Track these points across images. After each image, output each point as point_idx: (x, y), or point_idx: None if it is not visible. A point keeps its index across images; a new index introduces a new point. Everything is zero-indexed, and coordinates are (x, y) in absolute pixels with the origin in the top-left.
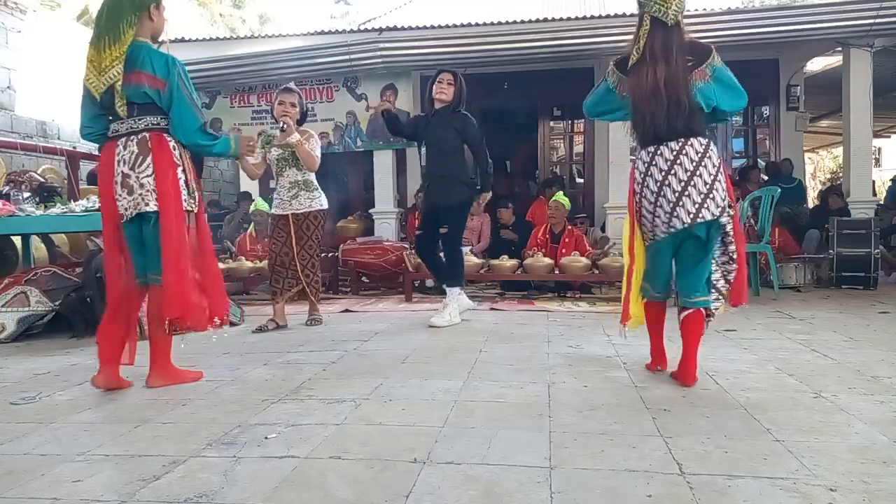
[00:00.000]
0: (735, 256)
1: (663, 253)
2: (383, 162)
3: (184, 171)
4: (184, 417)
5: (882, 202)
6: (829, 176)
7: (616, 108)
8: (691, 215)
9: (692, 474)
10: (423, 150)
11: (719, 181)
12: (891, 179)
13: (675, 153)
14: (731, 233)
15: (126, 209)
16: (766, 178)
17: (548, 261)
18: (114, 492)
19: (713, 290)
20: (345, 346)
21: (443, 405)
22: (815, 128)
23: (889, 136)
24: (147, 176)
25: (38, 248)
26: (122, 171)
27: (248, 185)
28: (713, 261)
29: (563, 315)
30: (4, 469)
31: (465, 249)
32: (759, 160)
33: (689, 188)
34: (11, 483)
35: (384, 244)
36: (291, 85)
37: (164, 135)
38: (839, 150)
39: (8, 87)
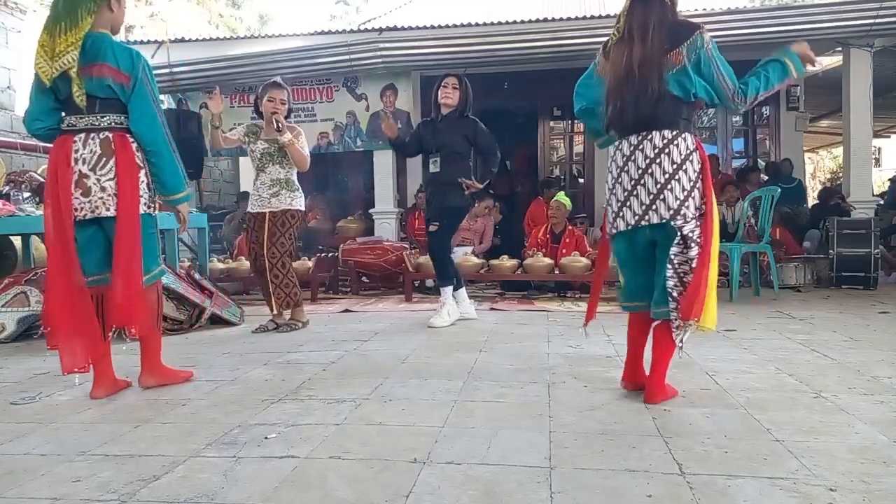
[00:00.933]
0: (693, 265)
1: (619, 253)
2: (383, 162)
3: (146, 173)
4: (184, 417)
5: (881, 202)
6: (829, 176)
7: (593, 93)
8: (636, 217)
9: (692, 474)
10: (434, 158)
11: (678, 180)
12: (889, 180)
13: (632, 148)
14: (692, 237)
15: (79, 211)
16: (766, 178)
17: (548, 261)
18: (114, 492)
19: (670, 299)
20: (345, 346)
21: (443, 405)
22: (815, 128)
23: (889, 136)
24: (109, 179)
25: (38, 248)
26: (80, 171)
27: (249, 184)
28: (670, 264)
29: (563, 315)
30: (4, 469)
31: (467, 250)
32: (759, 160)
33: (638, 187)
34: (11, 483)
35: (384, 244)
36: (278, 79)
37: (128, 135)
38: (839, 150)
39: (8, 87)
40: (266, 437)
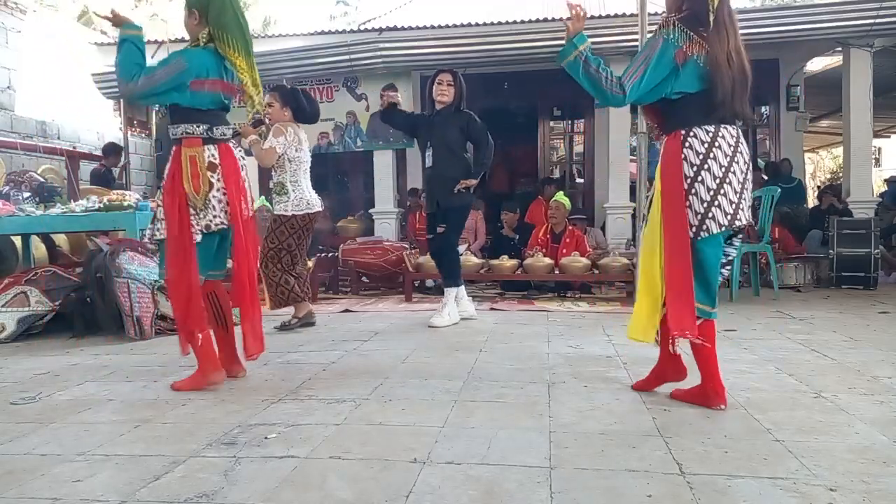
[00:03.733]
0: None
1: (714, 253)
2: (383, 162)
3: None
4: (184, 417)
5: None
6: (829, 176)
7: (670, 83)
8: (743, 213)
9: (692, 474)
10: (428, 151)
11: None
12: (884, 180)
13: (734, 139)
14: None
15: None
16: (765, 177)
17: (548, 261)
18: (114, 492)
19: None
20: (345, 346)
21: (443, 405)
22: (815, 128)
23: (889, 136)
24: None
25: (38, 248)
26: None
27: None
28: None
29: (563, 315)
30: (4, 469)
31: (462, 248)
32: (758, 160)
33: (747, 182)
34: (11, 483)
35: (384, 244)
36: (284, 82)
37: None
38: (839, 150)
39: (8, 87)
40: (266, 437)
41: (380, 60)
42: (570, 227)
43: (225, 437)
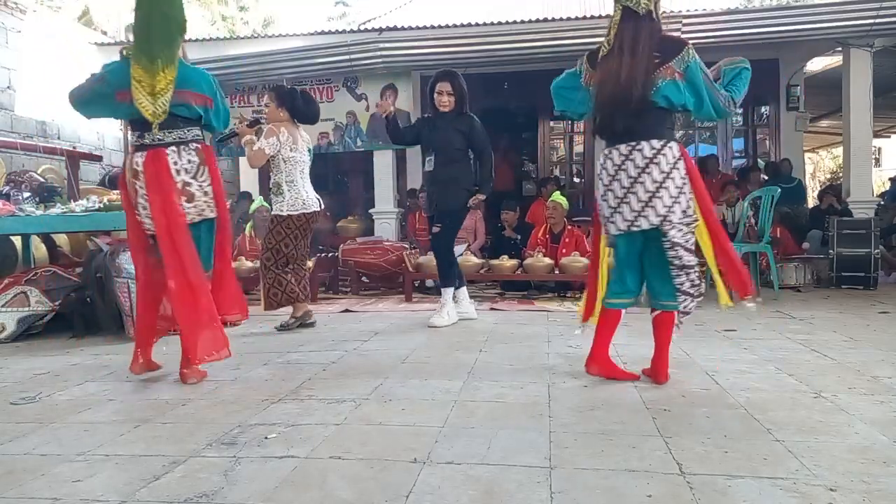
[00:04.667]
0: (689, 264)
1: (621, 253)
2: (383, 162)
3: None
4: (184, 417)
5: (882, 202)
6: (829, 176)
7: (576, 97)
8: (627, 223)
9: (692, 474)
10: (429, 156)
11: (666, 188)
12: (889, 179)
13: (622, 158)
14: (677, 240)
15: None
16: (766, 178)
17: (548, 261)
18: (114, 492)
19: (679, 294)
20: (345, 346)
21: (443, 405)
22: (815, 128)
23: (889, 136)
24: (209, 185)
25: (38, 248)
26: (184, 179)
27: (249, 184)
28: (673, 266)
29: (563, 315)
30: (4, 469)
31: (461, 248)
32: (759, 160)
33: (629, 195)
34: (11, 483)
35: (384, 244)
36: (283, 83)
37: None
38: (839, 150)
39: (8, 87)
40: (266, 437)
41: (380, 60)
42: (570, 227)
43: (225, 437)
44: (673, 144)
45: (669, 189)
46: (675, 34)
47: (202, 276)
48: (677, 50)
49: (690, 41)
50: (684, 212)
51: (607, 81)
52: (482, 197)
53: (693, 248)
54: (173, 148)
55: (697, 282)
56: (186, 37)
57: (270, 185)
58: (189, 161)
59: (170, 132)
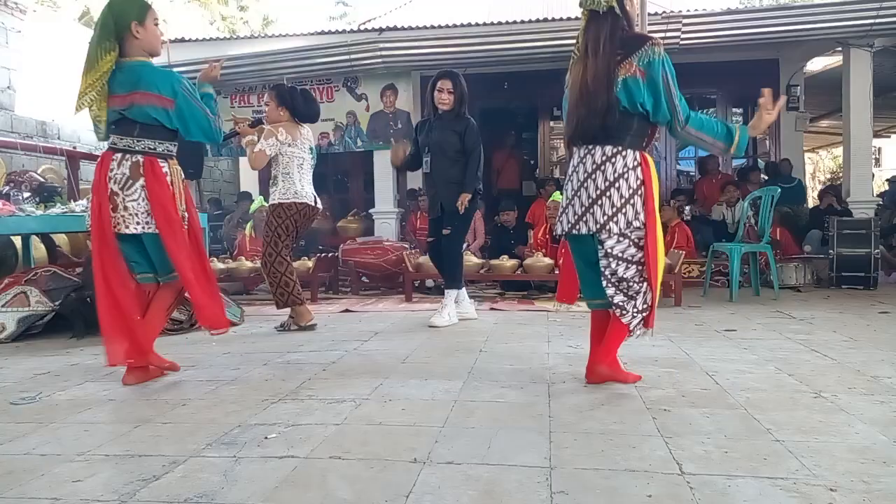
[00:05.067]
0: (625, 276)
1: (572, 252)
2: (383, 162)
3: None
4: (184, 417)
5: (881, 202)
6: (829, 176)
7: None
8: (569, 224)
9: (692, 474)
10: (426, 157)
11: (609, 197)
12: (886, 180)
13: (579, 160)
14: (615, 253)
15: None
16: (766, 177)
17: (548, 261)
18: (114, 492)
19: (614, 307)
20: (345, 346)
21: (443, 405)
22: (815, 128)
23: (889, 136)
24: (132, 200)
25: (38, 248)
26: (112, 188)
27: (249, 184)
28: (604, 277)
29: (563, 315)
30: (4, 469)
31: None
32: (758, 160)
33: (576, 198)
34: (11, 483)
35: (384, 244)
36: (284, 82)
37: (158, 161)
38: (839, 150)
39: (8, 87)
40: (266, 437)
41: (380, 60)
42: None
43: (225, 437)
44: (628, 152)
45: (612, 198)
46: (661, 33)
47: (122, 284)
48: (639, 45)
49: (690, 41)
50: (629, 223)
51: (574, 85)
52: (468, 196)
53: (638, 261)
54: (119, 154)
55: (636, 298)
56: (189, 37)
57: (273, 178)
58: (122, 174)
59: (122, 138)
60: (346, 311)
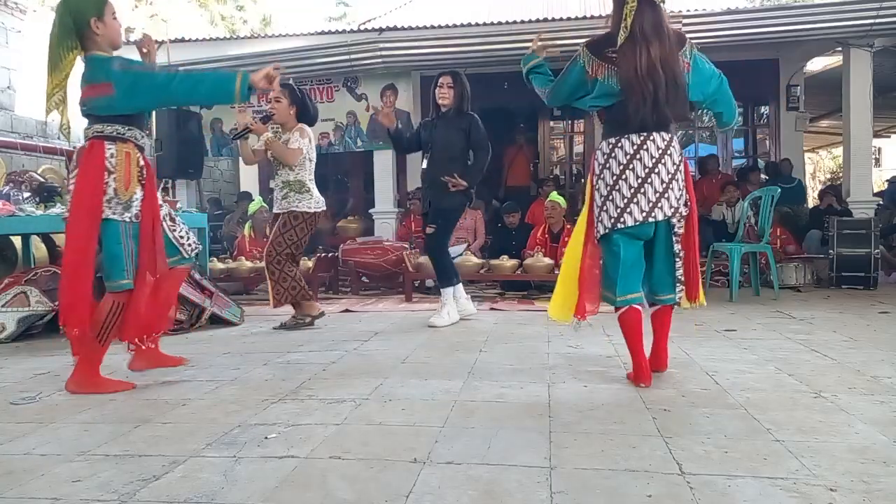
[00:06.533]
0: (680, 255)
1: (619, 248)
2: (383, 162)
3: (115, 178)
4: (184, 417)
5: (881, 202)
6: (829, 176)
7: (584, 92)
8: (643, 214)
9: (692, 474)
10: (426, 154)
11: (677, 180)
12: (886, 181)
13: (635, 147)
14: (679, 232)
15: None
16: (766, 177)
17: (548, 261)
18: (114, 492)
19: (677, 283)
20: (345, 346)
21: (443, 405)
22: (815, 128)
23: (889, 136)
24: (72, 185)
25: (38, 248)
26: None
27: (248, 184)
28: (677, 257)
29: None
30: (4, 469)
31: (461, 248)
32: (758, 160)
33: (646, 185)
34: (11, 483)
35: (384, 244)
36: (291, 81)
37: (105, 142)
38: (839, 150)
39: (8, 87)
40: (266, 437)
41: (380, 60)
42: (569, 227)
43: (225, 437)
44: (676, 138)
45: (679, 181)
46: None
47: (78, 265)
48: (684, 41)
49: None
50: (686, 204)
51: (637, 68)
52: (462, 183)
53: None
54: (83, 145)
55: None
56: (189, 37)
57: (284, 184)
58: (73, 160)
59: (87, 129)
60: (346, 311)
